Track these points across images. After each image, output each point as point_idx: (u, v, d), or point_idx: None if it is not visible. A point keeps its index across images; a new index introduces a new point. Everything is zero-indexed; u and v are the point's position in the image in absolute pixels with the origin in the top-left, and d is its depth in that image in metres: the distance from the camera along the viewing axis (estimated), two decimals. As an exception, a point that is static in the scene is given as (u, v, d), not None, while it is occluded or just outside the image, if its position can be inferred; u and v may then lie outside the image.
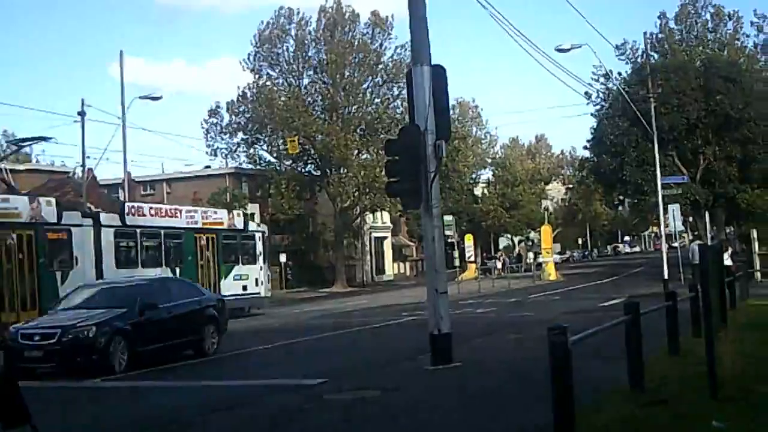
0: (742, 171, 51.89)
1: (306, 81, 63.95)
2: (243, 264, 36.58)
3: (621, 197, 65.26)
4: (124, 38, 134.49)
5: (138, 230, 30.91)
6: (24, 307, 25.08)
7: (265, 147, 64.70)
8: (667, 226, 45.30)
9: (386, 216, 79.71)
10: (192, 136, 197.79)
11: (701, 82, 50.91)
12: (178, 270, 31.77)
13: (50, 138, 34.20)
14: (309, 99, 63.11)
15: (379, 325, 27.05)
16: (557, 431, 7.31)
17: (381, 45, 63.54)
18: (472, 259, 72.51)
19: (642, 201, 56.51)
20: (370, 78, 63.38)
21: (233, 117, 63.52)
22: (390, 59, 63.38)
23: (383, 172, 20.38)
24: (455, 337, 15.66)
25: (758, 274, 42.34)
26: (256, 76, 63.64)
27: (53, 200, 28.94)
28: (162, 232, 32.10)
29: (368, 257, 78.02)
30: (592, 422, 8.50)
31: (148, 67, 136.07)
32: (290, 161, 63.59)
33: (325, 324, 28.66)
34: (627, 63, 59.89)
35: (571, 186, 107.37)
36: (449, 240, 61.05)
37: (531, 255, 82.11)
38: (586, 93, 55.63)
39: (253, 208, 44.87)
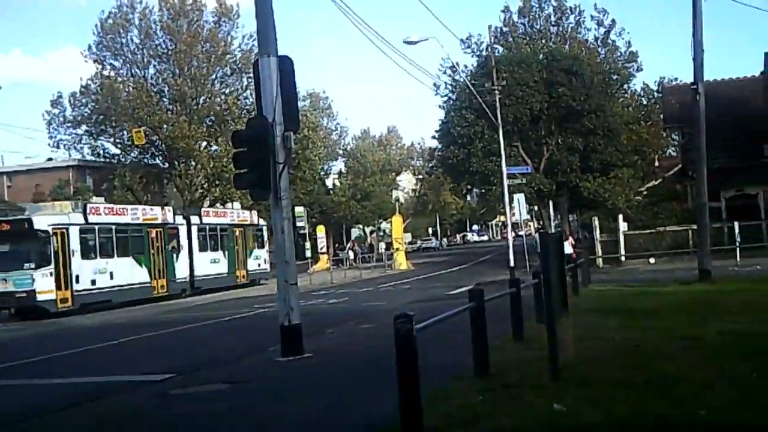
0: (584, 161, 53.64)
1: (151, 71, 62.62)
2: (257, 248, 51.73)
3: (469, 187, 66.67)
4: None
5: (208, 226, 46.45)
6: (160, 275, 41.17)
7: (110, 138, 63.01)
8: (513, 214, 46.47)
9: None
10: (33, 127, 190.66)
11: (544, 75, 52.38)
12: (227, 252, 47.62)
13: None
14: (155, 89, 61.76)
15: (231, 317, 26.83)
16: (403, 418, 7.38)
17: (228, 34, 62.82)
18: (324, 250, 72.71)
19: (489, 190, 57.82)
20: (218, 68, 62.56)
21: (76, 108, 61.65)
22: (238, 49, 62.74)
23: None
24: (307, 328, 15.65)
25: (600, 261, 43.97)
26: (99, 67, 61.97)
27: (171, 208, 46.01)
28: (218, 227, 47.50)
29: (219, 249, 77.01)
30: (438, 408, 8.63)
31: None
32: (136, 153, 62.15)
33: (174, 318, 28.20)
34: (473, 56, 61.19)
35: (421, 177, 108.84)
36: (301, 231, 61.10)
37: (382, 245, 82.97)
38: (434, 85, 56.69)
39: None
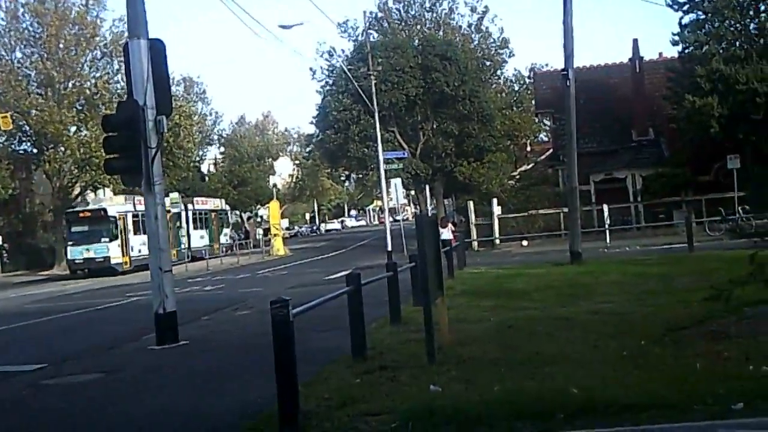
0: (459, 146, 54.35)
1: (18, 55, 60.49)
2: (225, 227, 68.94)
3: (346, 172, 66.76)
4: None
5: (198, 211, 62.05)
6: (172, 246, 47.29)
7: (-25, 124, 60.59)
8: (390, 199, 46.75)
9: (109, 194, 77.18)
10: None
11: (419, 61, 52.80)
12: (209, 230, 63.24)
13: None
14: (22, 74, 59.69)
15: (104, 306, 26.20)
16: (281, 403, 7.36)
17: (98, 17, 61.15)
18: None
19: (366, 175, 58.01)
20: (88, 51, 60.86)
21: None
22: (108, 32, 61.19)
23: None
24: (183, 315, 15.48)
25: (475, 244, 44.67)
26: (-36, 50, 59.57)
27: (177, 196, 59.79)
28: (204, 211, 62.91)
29: (92, 238, 75.22)
30: (315, 392, 8.63)
31: None
32: (3, 139, 60.04)
33: (44, 308, 27.40)
34: (349, 40, 61.34)
35: (298, 162, 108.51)
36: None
37: (260, 231, 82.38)
38: (310, 69, 56.58)
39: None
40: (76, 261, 48.20)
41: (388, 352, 11.11)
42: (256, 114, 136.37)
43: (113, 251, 48.36)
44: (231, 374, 11.27)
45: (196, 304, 22.57)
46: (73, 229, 49.18)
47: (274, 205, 68.20)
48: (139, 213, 50.15)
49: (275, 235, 63.66)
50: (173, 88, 51.56)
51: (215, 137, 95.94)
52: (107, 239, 48.31)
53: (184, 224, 58.77)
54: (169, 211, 49.98)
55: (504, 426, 6.90)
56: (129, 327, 18.71)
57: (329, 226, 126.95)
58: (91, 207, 52.47)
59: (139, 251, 49.30)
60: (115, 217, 49.17)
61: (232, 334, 16.06)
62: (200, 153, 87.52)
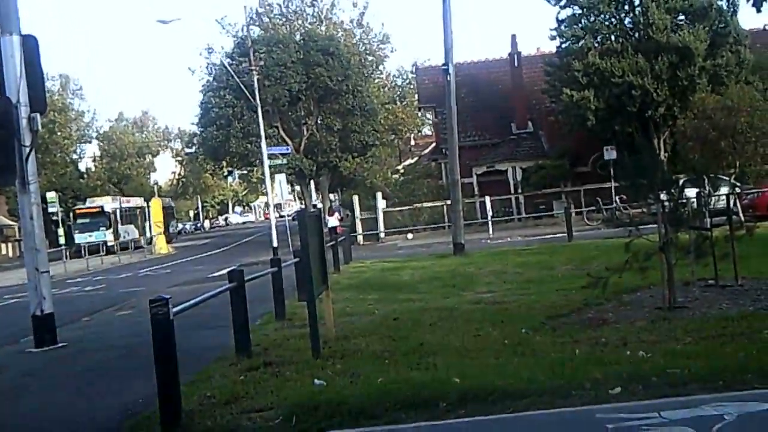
0: (343, 141, 54.39)
1: None
2: (173, 219, 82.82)
3: (230, 169, 66.13)
4: None
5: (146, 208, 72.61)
6: (141, 234, 69.16)
7: None
8: (275, 195, 46.49)
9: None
10: None
11: (301, 56, 52.59)
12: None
13: None
14: None
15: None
16: (162, 403, 7.26)
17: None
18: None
19: (250, 171, 57.54)
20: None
21: None
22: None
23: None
24: (62, 317, 15.15)
25: (361, 238, 44.83)
26: None
27: (143, 198, 77.26)
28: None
29: (-35, 239, 72.92)
30: (198, 390, 8.55)
31: None
32: None
33: None
34: (229, 36, 60.78)
35: (180, 159, 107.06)
36: (53, 217, 58.87)
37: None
38: (189, 68, 55.82)
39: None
40: (82, 244, 56.23)
41: (273, 348, 11.08)
42: (135, 111, 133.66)
43: (108, 237, 62.36)
44: (112, 375, 11.05)
45: (76, 305, 22.07)
46: (79, 221, 63.95)
47: (156, 202, 67.14)
48: (124, 208, 69.00)
49: (158, 233, 62.63)
50: (48, 85, 50.14)
51: (93, 134, 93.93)
52: (104, 228, 63.26)
53: (147, 216, 70.91)
54: (141, 207, 71.85)
55: (387, 417, 6.95)
56: (6, 330, 18.14)
57: (242, 219, 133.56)
58: (90, 205, 67.89)
59: (124, 237, 65.11)
60: (108, 211, 64.70)
61: (112, 334, 15.72)
62: (78, 150, 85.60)
